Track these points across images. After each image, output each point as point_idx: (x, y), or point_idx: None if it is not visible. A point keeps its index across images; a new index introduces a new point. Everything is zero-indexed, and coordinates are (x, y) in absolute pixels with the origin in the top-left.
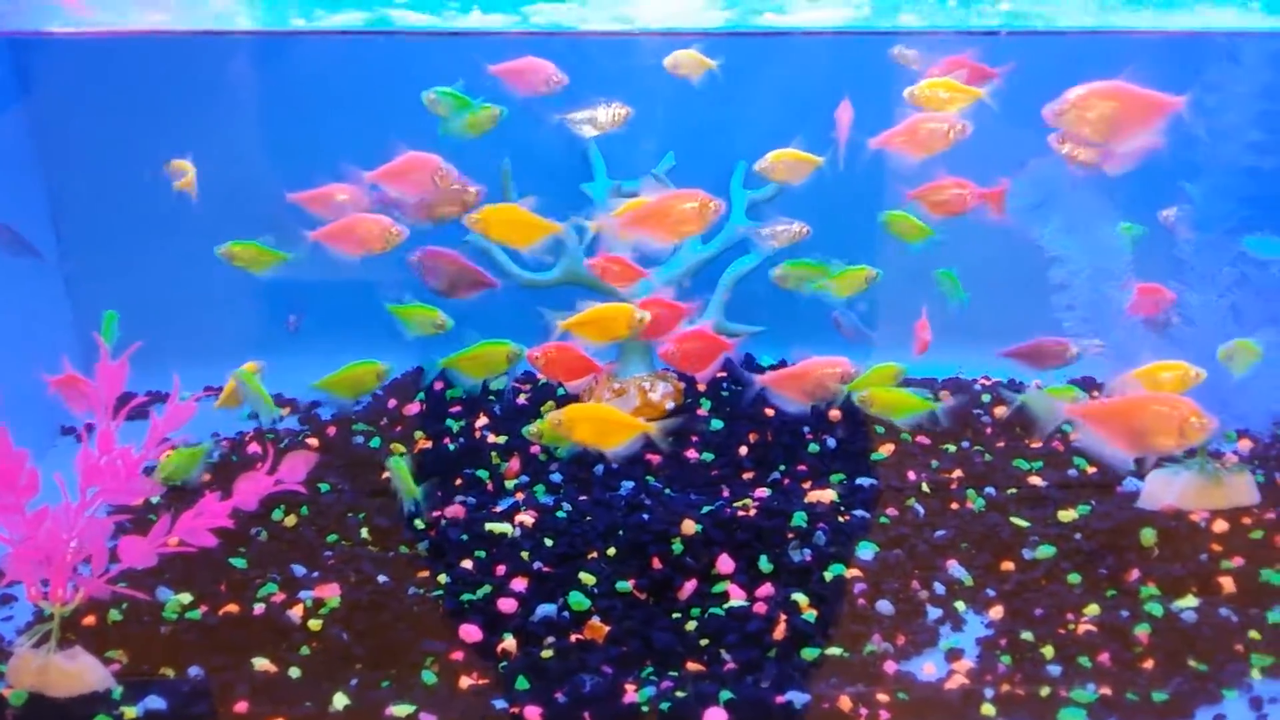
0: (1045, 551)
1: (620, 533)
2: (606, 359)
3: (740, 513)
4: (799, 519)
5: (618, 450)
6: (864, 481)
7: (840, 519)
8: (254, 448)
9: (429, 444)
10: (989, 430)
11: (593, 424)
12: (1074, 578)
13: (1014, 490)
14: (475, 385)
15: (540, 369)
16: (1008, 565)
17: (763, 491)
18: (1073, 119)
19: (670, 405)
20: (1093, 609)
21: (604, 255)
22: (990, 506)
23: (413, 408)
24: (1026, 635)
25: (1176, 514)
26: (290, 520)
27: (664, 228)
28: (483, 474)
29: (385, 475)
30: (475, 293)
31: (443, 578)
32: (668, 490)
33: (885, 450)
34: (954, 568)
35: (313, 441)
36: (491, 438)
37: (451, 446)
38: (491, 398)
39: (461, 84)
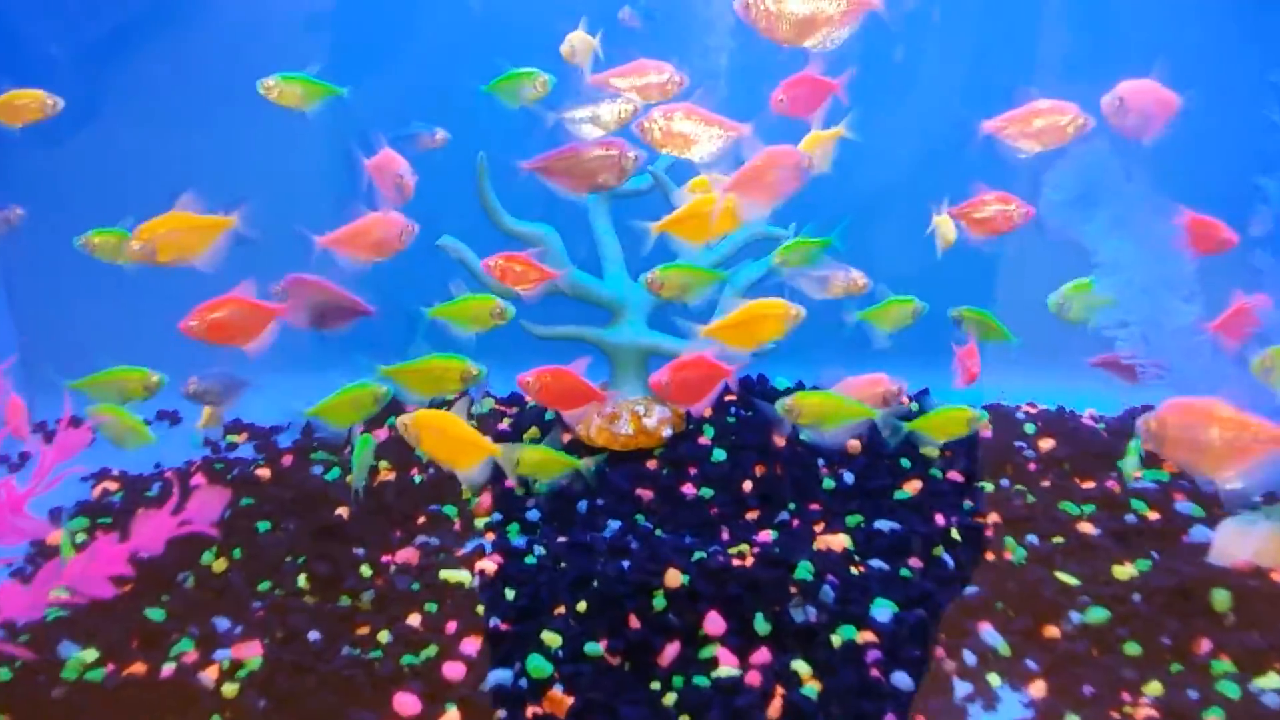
0: (1097, 615)
1: (594, 584)
2: (600, 379)
3: (735, 561)
4: (803, 570)
5: (469, 476)
6: (884, 525)
7: (853, 570)
8: (198, 479)
9: (392, 474)
10: (1032, 466)
11: (440, 438)
12: (1132, 648)
13: (1060, 539)
14: (339, 432)
15: (532, 396)
16: (1052, 631)
17: (767, 534)
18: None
19: (668, 432)
20: (1154, 687)
21: (504, 255)
22: (1032, 558)
23: (379, 434)
24: (1074, 719)
25: (1255, 572)
26: (220, 565)
27: (762, 191)
28: (450, 510)
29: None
30: (348, 323)
31: (384, 635)
32: (659, 531)
33: (910, 488)
34: (987, 633)
35: (264, 473)
36: None
37: (418, 478)
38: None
39: (316, 68)
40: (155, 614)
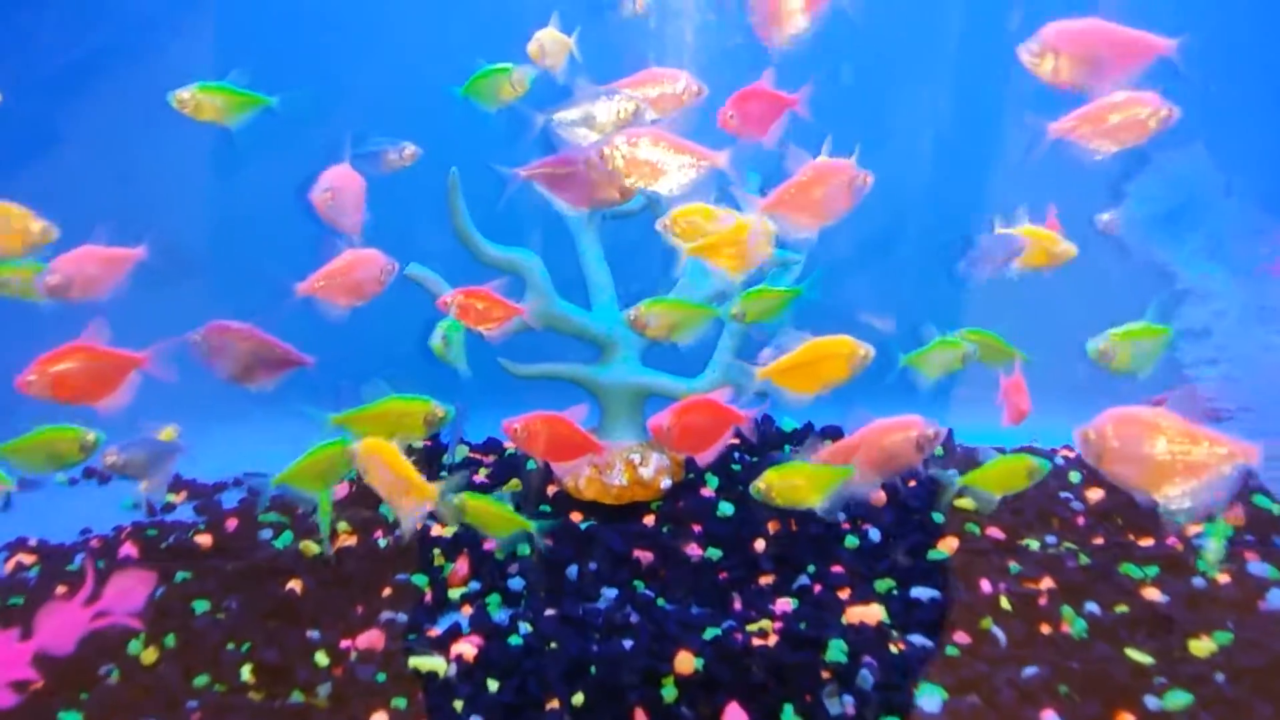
0: (1177, 701)
1: (592, 670)
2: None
3: (756, 640)
4: (836, 650)
5: (402, 520)
6: (921, 593)
7: (892, 649)
8: (128, 549)
9: (353, 539)
10: (1080, 520)
11: (378, 471)
12: None
13: (1124, 608)
14: (313, 497)
15: (520, 445)
16: (1126, 719)
17: (786, 604)
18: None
19: (667, 483)
20: None
21: (464, 291)
22: (1095, 631)
23: (339, 490)
24: None
25: None
26: (150, 655)
27: (808, 211)
28: (420, 580)
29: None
30: (279, 375)
31: None
32: (661, 601)
33: (946, 547)
34: None
35: (204, 539)
36: (436, 529)
37: (383, 542)
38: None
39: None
40: (70, 718)
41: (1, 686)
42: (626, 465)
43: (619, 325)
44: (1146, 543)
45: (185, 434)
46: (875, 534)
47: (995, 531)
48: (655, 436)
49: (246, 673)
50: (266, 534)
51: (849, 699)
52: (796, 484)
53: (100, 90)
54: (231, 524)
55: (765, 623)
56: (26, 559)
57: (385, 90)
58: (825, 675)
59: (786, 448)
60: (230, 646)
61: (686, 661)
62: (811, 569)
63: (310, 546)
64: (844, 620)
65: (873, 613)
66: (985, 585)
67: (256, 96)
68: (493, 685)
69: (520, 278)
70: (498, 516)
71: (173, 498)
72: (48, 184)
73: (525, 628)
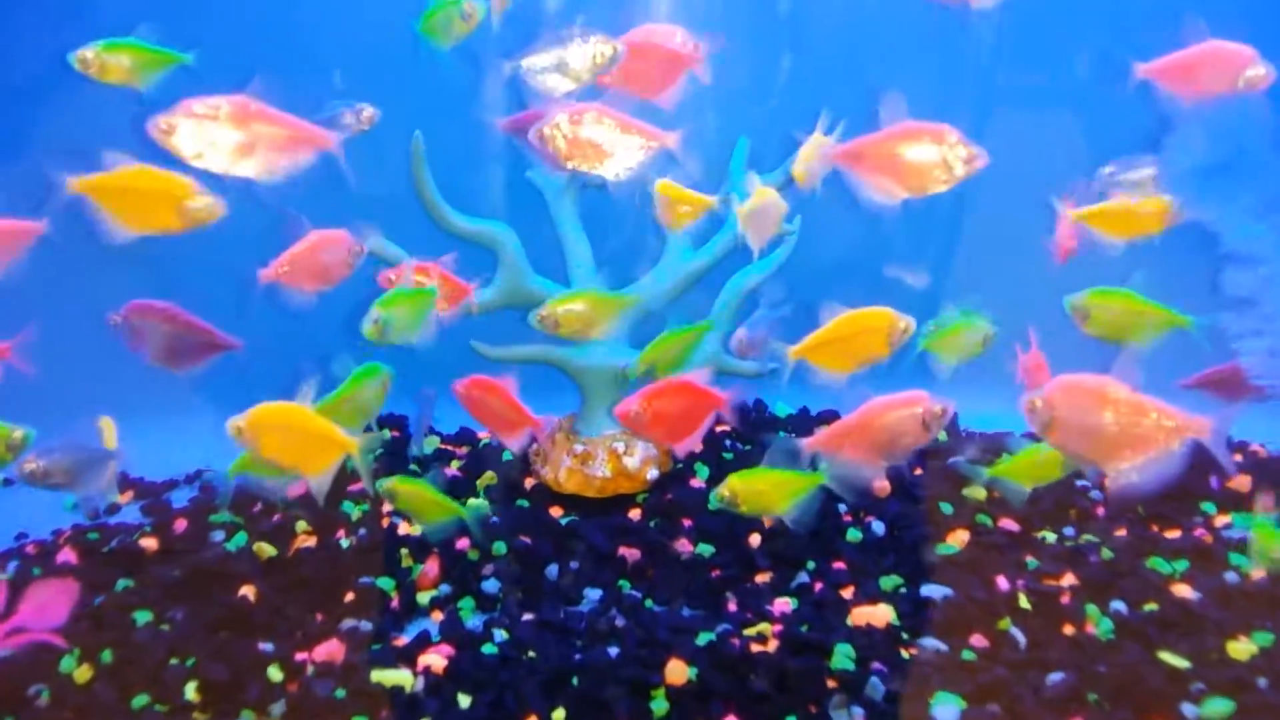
0: (1218, 709)
1: (574, 681)
2: (569, 409)
3: (754, 645)
4: (842, 656)
5: (319, 482)
6: (932, 591)
7: (903, 653)
8: (66, 555)
9: (312, 539)
10: (1100, 510)
11: (284, 436)
12: None
13: (1153, 606)
14: (278, 485)
15: (464, 407)
16: None
17: (785, 604)
18: None
19: (653, 474)
20: None
21: (415, 267)
22: (1122, 631)
23: (295, 488)
24: None
25: None
26: (84, 673)
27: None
28: (386, 583)
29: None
30: (205, 360)
31: None
32: (649, 601)
33: (956, 540)
34: None
35: (149, 542)
36: (404, 528)
37: (345, 542)
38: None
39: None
40: None
41: None
42: (610, 455)
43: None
44: (1173, 534)
45: (130, 427)
46: (879, 527)
47: (1009, 523)
48: (624, 423)
49: (191, 691)
50: (218, 535)
51: (858, 710)
52: (762, 490)
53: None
54: (180, 525)
55: (764, 626)
56: None
57: (348, 51)
58: (831, 684)
59: (780, 434)
60: (174, 661)
61: (679, 670)
62: (811, 566)
63: (264, 548)
64: (849, 622)
65: (880, 613)
66: (1001, 582)
67: (169, 54)
68: (464, 700)
69: (492, 251)
70: (430, 502)
71: (117, 498)
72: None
73: (501, 635)
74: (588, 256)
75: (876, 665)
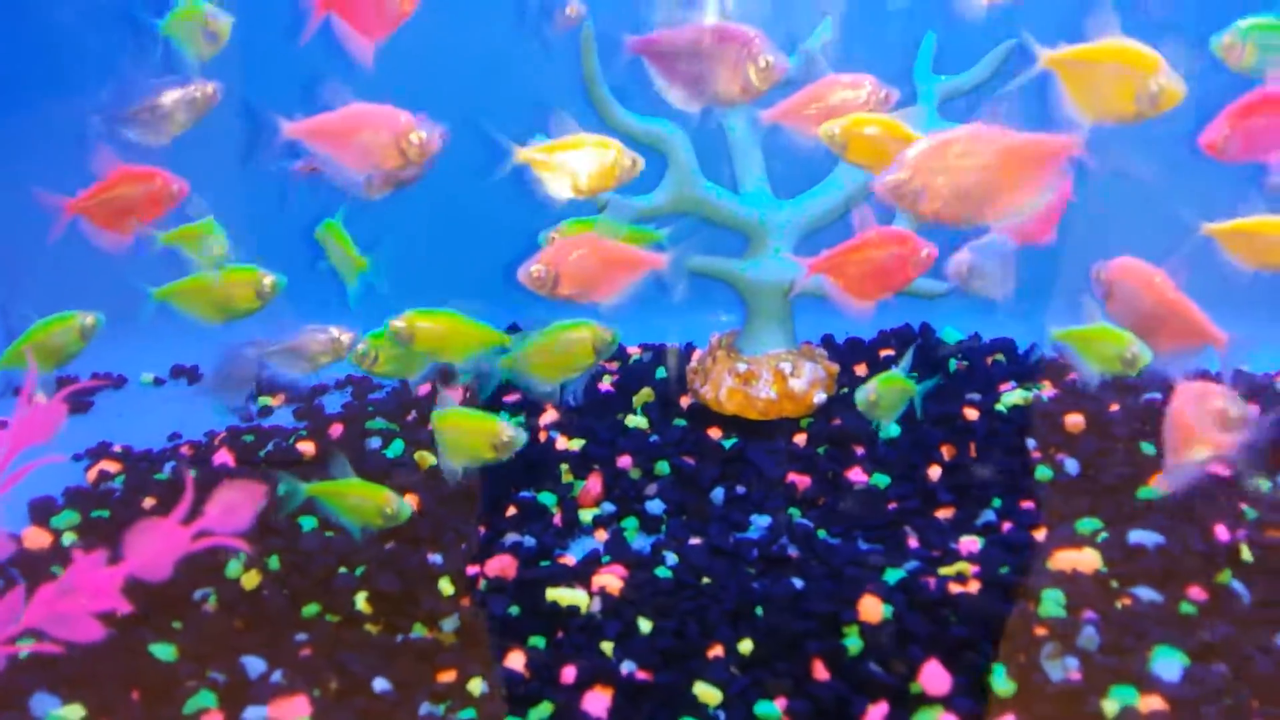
0: None
1: (758, 611)
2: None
3: (952, 585)
4: (1051, 603)
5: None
6: (1141, 537)
7: (1117, 604)
8: (223, 457)
9: None
10: None
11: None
12: None
13: None
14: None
15: (547, 290)
16: None
17: (972, 542)
18: None
19: (820, 397)
20: None
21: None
22: None
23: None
24: None
25: None
26: (251, 579)
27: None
28: (547, 498)
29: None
30: None
31: (475, 685)
32: (822, 533)
33: (1159, 484)
34: None
35: (306, 446)
36: (562, 442)
37: None
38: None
39: None
40: (163, 652)
41: (85, 618)
42: (776, 375)
43: (771, 212)
44: None
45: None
46: (1072, 465)
47: (1217, 468)
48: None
49: (361, 601)
50: (375, 443)
51: (1072, 661)
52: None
53: None
54: (336, 429)
55: (963, 565)
56: (111, 466)
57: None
58: (1041, 632)
59: (952, 361)
60: (343, 571)
61: (873, 607)
62: (997, 503)
63: (426, 457)
64: (1050, 566)
65: (1087, 559)
66: (1220, 531)
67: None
68: (645, 625)
69: (661, 154)
70: (459, 334)
71: (269, 400)
72: None
73: (672, 558)
74: (759, 163)
75: (1090, 614)
